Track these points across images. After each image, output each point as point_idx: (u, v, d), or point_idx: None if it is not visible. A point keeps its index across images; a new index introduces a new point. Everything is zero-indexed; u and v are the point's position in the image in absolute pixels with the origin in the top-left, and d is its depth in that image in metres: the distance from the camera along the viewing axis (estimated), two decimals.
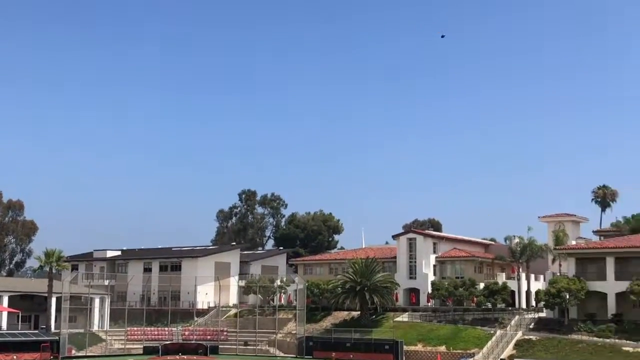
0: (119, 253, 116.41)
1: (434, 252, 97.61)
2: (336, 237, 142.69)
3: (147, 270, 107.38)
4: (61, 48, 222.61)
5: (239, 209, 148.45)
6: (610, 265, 78.07)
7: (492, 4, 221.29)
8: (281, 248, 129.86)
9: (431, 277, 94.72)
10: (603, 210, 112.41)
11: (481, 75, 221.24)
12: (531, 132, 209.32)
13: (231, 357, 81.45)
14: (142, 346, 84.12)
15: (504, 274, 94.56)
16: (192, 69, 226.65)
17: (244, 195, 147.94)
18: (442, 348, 76.92)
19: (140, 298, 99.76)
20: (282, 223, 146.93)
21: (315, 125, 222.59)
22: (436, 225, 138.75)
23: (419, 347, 78.41)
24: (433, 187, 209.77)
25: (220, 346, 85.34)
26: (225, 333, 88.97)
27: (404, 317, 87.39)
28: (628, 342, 70.05)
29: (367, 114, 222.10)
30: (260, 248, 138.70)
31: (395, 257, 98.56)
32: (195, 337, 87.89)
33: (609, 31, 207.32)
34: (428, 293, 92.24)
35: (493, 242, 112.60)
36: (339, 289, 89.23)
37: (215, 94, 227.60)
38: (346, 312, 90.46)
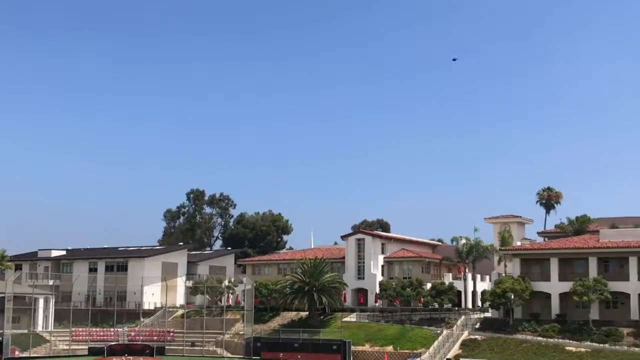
0: (64, 253, 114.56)
1: (383, 252, 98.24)
2: (285, 237, 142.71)
3: (93, 270, 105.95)
4: None
5: (186, 208, 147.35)
6: (554, 266, 79.60)
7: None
8: (229, 248, 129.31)
9: (379, 278, 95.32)
10: (547, 211, 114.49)
11: (425, 75, 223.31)
12: (479, 134, 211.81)
13: (178, 357, 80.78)
14: (87, 347, 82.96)
15: (450, 274, 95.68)
16: (131, 73, 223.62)
17: (192, 195, 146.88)
18: (390, 348, 77.46)
19: (85, 298, 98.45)
20: (231, 223, 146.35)
21: (265, 126, 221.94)
22: (385, 226, 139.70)
23: (367, 347, 78.87)
24: (382, 188, 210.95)
25: (166, 347, 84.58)
26: (172, 334, 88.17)
27: (352, 318, 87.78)
28: (571, 341, 71.49)
29: (318, 115, 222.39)
30: (208, 248, 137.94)
31: (343, 258, 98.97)
32: (141, 337, 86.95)
33: (536, 35, 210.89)
34: (376, 293, 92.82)
35: (440, 243, 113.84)
36: (288, 289, 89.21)
37: (161, 95, 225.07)
38: (294, 313, 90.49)
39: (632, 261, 75.66)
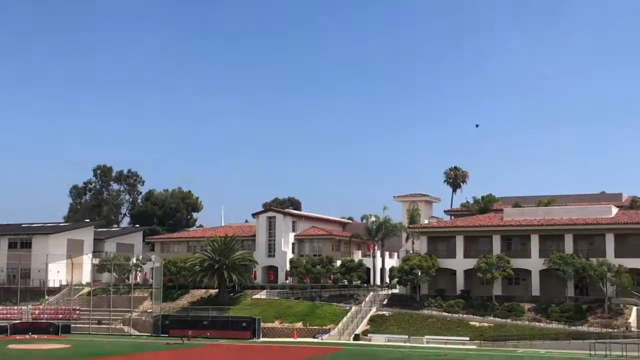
0: None
1: (293, 230, 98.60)
2: (195, 215, 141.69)
3: None
4: None
5: (93, 185, 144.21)
6: (459, 243, 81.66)
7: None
8: (137, 225, 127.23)
9: (290, 255, 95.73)
10: (454, 190, 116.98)
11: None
12: (388, 115, 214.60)
13: (84, 336, 79.25)
14: None
15: (360, 251, 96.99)
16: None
17: (99, 171, 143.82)
18: (299, 324, 78.07)
19: None
20: (139, 200, 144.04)
21: (172, 99, 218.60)
22: (296, 204, 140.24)
23: (277, 324, 79.27)
24: (293, 166, 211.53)
25: (72, 325, 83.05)
26: (77, 312, 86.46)
27: (262, 295, 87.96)
28: (474, 317, 73.67)
29: (224, 88, 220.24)
30: (115, 225, 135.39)
31: (254, 236, 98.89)
32: (46, 316, 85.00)
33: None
34: (286, 271, 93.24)
35: (350, 221, 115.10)
36: (197, 267, 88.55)
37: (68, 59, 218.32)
38: (204, 290, 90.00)
39: (534, 239, 78.32)
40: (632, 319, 68.79)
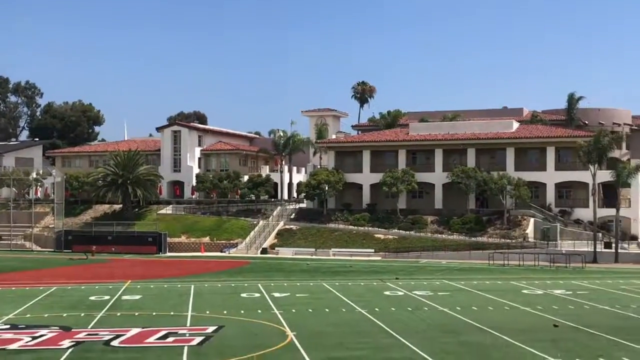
0: None
1: (199, 145, 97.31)
2: (97, 128, 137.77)
3: None
4: None
5: None
6: (366, 158, 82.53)
7: None
8: (37, 139, 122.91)
9: (196, 170, 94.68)
10: (362, 105, 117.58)
11: None
12: (299, 28, 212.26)
13: None
14: None
15: (267, 166, 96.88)
16: None
17: None
18: (206, 239, 77.99)
19: None
20: (38, 113, 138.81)
21: (72, 9, 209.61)
22: (202, 118, 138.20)
23: (183, 238, 78.96)
24: (199, 79, 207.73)
25: None
26: None
27: (168, 210, 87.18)
28: (379, 229, 75.18)
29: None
30: (13, 139, 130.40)
31: (159, 150, 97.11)
32: None
33: None
34: (193, 186, 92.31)
35: (258, 136, 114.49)
36: (100, 182, 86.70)
37: None
38: (108, 206, 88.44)
39: (438, 153, 79.86)
40: (529, 230, 71.60)
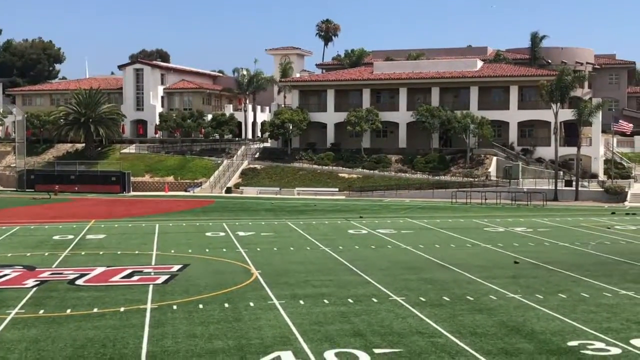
0: None
1: (162, 83, 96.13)
2: (57, 66, 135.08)
3: None
4: None
5: None
6: (330, 97, 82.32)
7: None
8: None
9: (159, 109, 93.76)
10: (326, 44, 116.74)
11: None
12: None
13: None
14: None
15: (231, 105, 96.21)
16: None
17: None
18: (170, 178, 77.74)
19: None
20: None
21: None
22: (164, 57, 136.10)
23: (147, 177, 78.63)
24: (161, 16, 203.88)
25: None
26: None
27: (131, 149, 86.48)
28: (344, 168, 75.51)
29: None
30: None
31: (121, 88, 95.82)
32: None
33: None
34: (156, 125, 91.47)
35: (221, 75, 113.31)
36: (62, 120, 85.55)
37: None
38: (70, 145, 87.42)
39: (402, 92, 79.90)
40: (492, 168, 72.42)
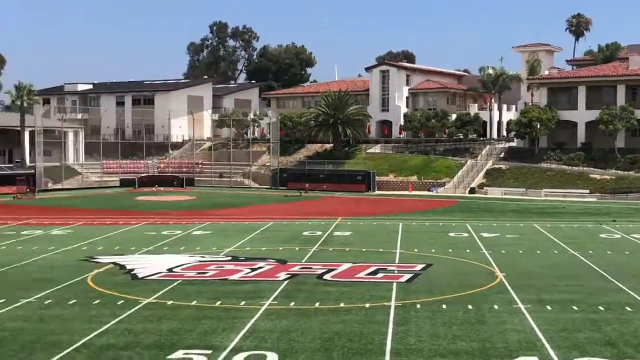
0: (90, 87, 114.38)
1: (407, 84, 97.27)
2: (309, 70, 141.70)
3: (120, 104, 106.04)
4: None
5: (210, 41, 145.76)
6: (581, 94, 78.70)
7: None
8: (254, 82, 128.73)
9: (404, 109, 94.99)
10: (577, 39, 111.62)
11: None
12: None
13: (207, 188, 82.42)
14: (118, 179, 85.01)
15: (476, 105, 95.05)
16: None
17: (215, 28, 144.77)
18: (414, 178, 78.43)
19: (114, 132, 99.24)
20: (254, 56, 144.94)
21: None
22: (409, 57, 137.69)
23: (391, 177, 79.91)
24: (407, 18, 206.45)
25: (196, 178, 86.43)
26: (200, 165, 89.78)
27: (376, 149, 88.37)
28: (595, 169, 71.85)
29: None
30: (232, 82, 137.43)
31: (368, 90, 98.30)
32: (170, 169, 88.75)
33: None
34: (400, 125, 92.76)
35: (466, 74, 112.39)
36: (312, 122, 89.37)
37: None
38: (319, 145, 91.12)
39: None
40: None
